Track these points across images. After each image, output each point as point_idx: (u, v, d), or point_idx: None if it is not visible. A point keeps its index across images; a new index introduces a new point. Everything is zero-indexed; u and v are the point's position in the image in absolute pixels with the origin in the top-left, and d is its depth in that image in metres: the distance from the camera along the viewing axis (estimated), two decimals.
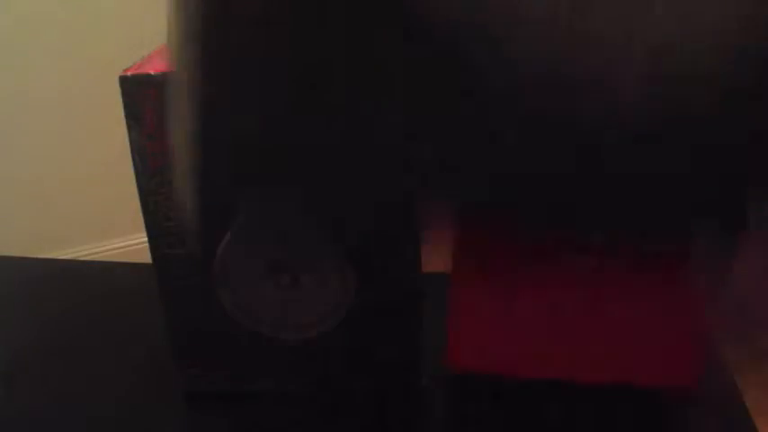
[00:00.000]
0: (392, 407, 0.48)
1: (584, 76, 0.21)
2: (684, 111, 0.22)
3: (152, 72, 0.40)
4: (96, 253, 1.75)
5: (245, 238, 0.43)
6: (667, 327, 0.43)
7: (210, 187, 0.29)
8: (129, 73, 0.40)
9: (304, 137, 0.26)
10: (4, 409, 0.49)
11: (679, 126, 0.22)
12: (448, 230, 0.41)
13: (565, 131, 0.23)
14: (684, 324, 0.43)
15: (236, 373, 0.48)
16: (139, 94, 0.40)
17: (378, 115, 0.24)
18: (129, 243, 1.73)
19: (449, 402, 0.46)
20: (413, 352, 0.48)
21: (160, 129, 0.40)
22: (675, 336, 0.43)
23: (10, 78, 1.52)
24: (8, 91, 1.54)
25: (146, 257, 0.46)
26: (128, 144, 0.41)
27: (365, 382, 0.48)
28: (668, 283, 0.41)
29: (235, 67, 0.24)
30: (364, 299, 0.45)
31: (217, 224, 0.43)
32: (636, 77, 0.21)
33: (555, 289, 0.42)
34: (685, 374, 0.44)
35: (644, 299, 0.42)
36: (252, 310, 0.46)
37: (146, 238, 0.44)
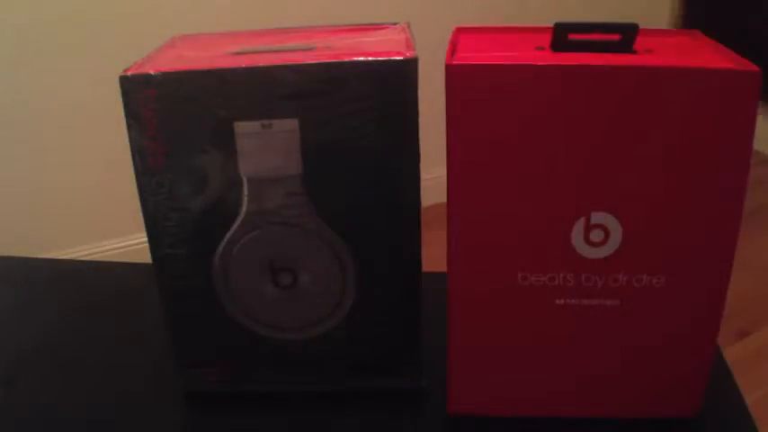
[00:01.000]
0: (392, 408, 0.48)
1: None
2: None
3: (152, 72, 0.40)
4: (96, 253, 1.75)
5: (245, 239, 0.43)
6: (665, 359, 0.43)
7: None
8: (129, 73, 0.40)
9: None
10: (5, 408, 0.49)
11: None
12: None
13: None
14: (683, 356, 0.43)
15: (236, 373, 0.48)
16: (139, 94, 0.40)
17: None
18: (129, 243, 1.72)
19: None
20: (413, 352, 0.48)
21: (160, 129, 0.40)
22: (674, 368, 0.43)
23: (11, 80, 1.52)
24: (9, 91, 1.53)
25: (146, 257, 0.46)
26: (128, 144, 0.41)
27: (365, 382, 0.48)
28: (662, 316, 0.41)
29: None
30: (364, 299, 0.45)
31: (217, 224, 0.43)
32: None
33: (552, 327, 0.42)
34: (685, 405, 0.45)
35: (639, 332, 0.42)
36: (252, 310, 0.46)
37: (146, 238, 0.44)
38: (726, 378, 0.49)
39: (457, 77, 0.37)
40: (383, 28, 0.47)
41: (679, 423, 0.45)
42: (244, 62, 0.40)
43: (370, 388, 0.48)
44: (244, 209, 0.42)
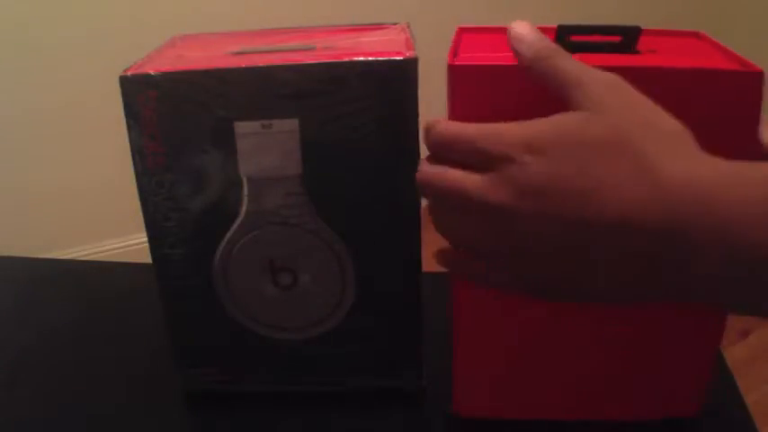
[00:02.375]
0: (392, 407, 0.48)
1: None
2: None
3: (152, 72, 0.39)
4: (96, 253, 1.75)
5: (245, 239, 0.43)
6: (667, 360, 0.43)
7: None
8: (129, 73, 0.40)
9: None
10: (5, 408, 0.49)
11: None
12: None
13: None
14: (684, 356, 0.43)
15: (235, 373, 0.48)
16: (139, 94, 0.40)
17: None
18: (129, 243, 1.72)
19: None
20: (413, 352, 0.47)
21: (160, 129, 0.40)
22: (676, 368, 0.43)
23: (10, 80, 1.52)
24: (9, 91, 1.53)
25: (146, 257, 0.46)
26: (128, 144, 0.41)
27: (365, 382, 0.48)
28: (665, 317, 0.41)
29: None
30: (364, 299, 0.45)
31: (217, 224, 0.43)
32: None
33: (553, 327, 0.42)
34: (686, 405, 0.44)
35: (639, 333, 0.42)
36: (252, 310, 0.46)
37: (146, 238, 0.44)
38: (726, 378, 0.49)
39: (459, 78, 0.37)
40: (383, 28, 0.47)
41: (679, 423, 0.45)
42: (244, 62, 0.40)
43: (370, 388, 0.48)
44: (244, 209, 0.42)
